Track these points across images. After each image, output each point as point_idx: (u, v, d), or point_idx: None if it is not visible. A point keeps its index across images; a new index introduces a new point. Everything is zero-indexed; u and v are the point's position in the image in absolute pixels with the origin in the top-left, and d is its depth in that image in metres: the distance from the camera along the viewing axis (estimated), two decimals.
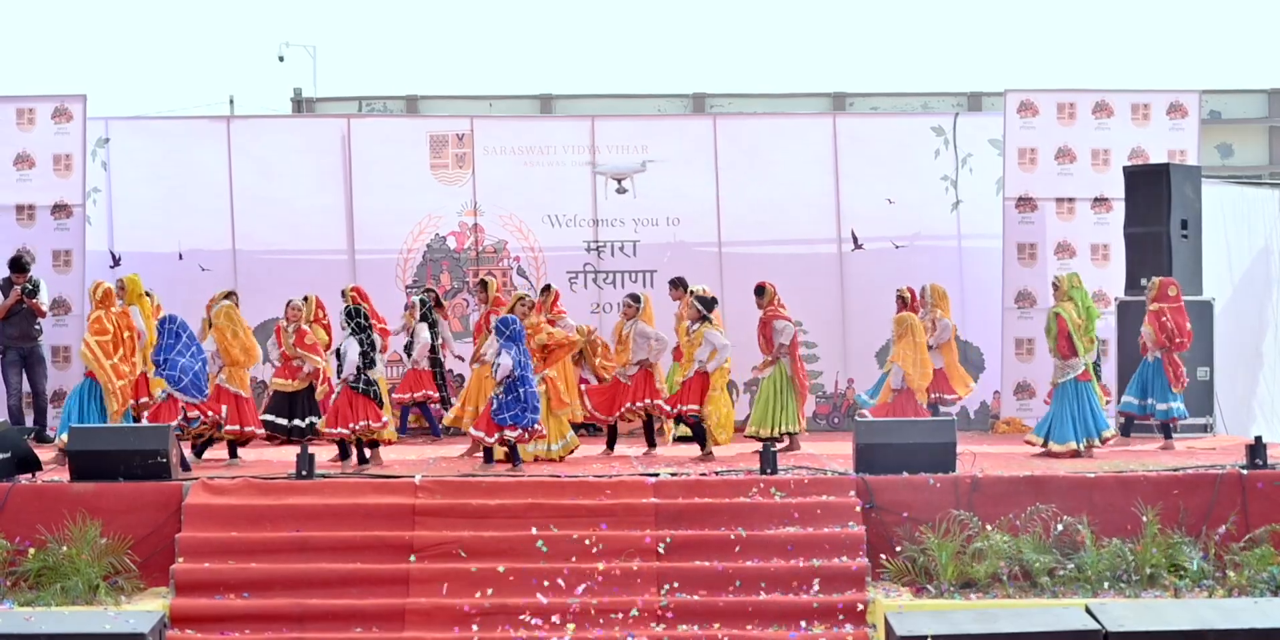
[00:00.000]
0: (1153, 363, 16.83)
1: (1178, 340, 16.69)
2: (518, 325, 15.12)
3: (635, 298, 16.76)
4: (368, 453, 15.12)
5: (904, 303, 18.19)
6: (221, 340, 15.56)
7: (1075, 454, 15.49)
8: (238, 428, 15.48)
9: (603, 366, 16.79)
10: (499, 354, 14.82)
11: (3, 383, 18.00)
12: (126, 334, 15.51)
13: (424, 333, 17.88)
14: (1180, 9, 76.25)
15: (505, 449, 14.88)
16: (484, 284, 17.59)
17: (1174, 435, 16.76)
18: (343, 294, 17.32)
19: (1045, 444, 15.74)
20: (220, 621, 12.32)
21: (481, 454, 15.13)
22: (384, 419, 15.04)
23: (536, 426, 14.96)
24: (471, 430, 15.16)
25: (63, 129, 19.04)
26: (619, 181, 19.59)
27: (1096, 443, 15.71)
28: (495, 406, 14.74)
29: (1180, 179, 18.47)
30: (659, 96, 39.16)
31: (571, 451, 15.87)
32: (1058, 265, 19.42)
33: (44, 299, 17.96)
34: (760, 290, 16.71)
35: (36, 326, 17.85)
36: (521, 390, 14.81)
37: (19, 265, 17.74)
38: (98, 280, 16.16)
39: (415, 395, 18.07)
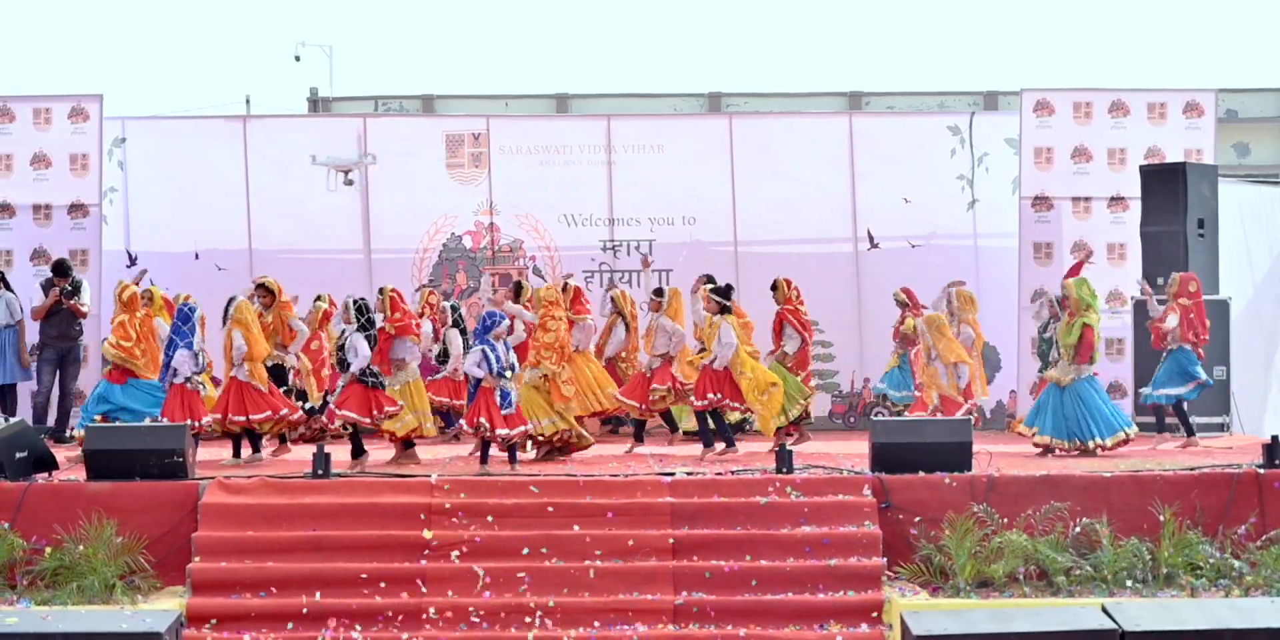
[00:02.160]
0: (1177, 351, 16.65)
1: (1203, 336, 16.63)
2: (498, 319, 15.17)
3: (659, 292, 16.90)
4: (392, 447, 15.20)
5: (904, 306, 18.23)
6: (247, 334, 15.54)
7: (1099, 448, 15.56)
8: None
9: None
10: (505, 351, 14.81)
11: (35, 380, 18.07)
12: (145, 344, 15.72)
13: (456, 340, 17.32)
14: (1196, 8, 76.14)
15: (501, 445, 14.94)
16: (519, 287, 17.27)
17: (1196, 434, 16.71)
18: (380, 291, 16.92)
19: (1087, 443, 15.66)
20: (237, 620, 12.31)
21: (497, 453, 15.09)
22: (398, 404, 15.09)
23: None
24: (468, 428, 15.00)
25: (79, 129, 19.11)
26: (345, 173, 19.44)
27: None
28: (507, 404, 14.74)
29: (1197, 178, 18.45)
30: (674, 96, 39.19)
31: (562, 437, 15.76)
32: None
33: (86, 300, 18.01)
34: (773, 286, 16.70)
35: (76, 327, 17.95)
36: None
37: (61, 268, 17.84)
38: (124, 283, 16.20)
39: (452, 401, 17.75)
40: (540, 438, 15.45)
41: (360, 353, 14.89)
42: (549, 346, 15.55)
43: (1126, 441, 15.70)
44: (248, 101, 41.80)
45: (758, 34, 79.97)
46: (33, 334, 18.20)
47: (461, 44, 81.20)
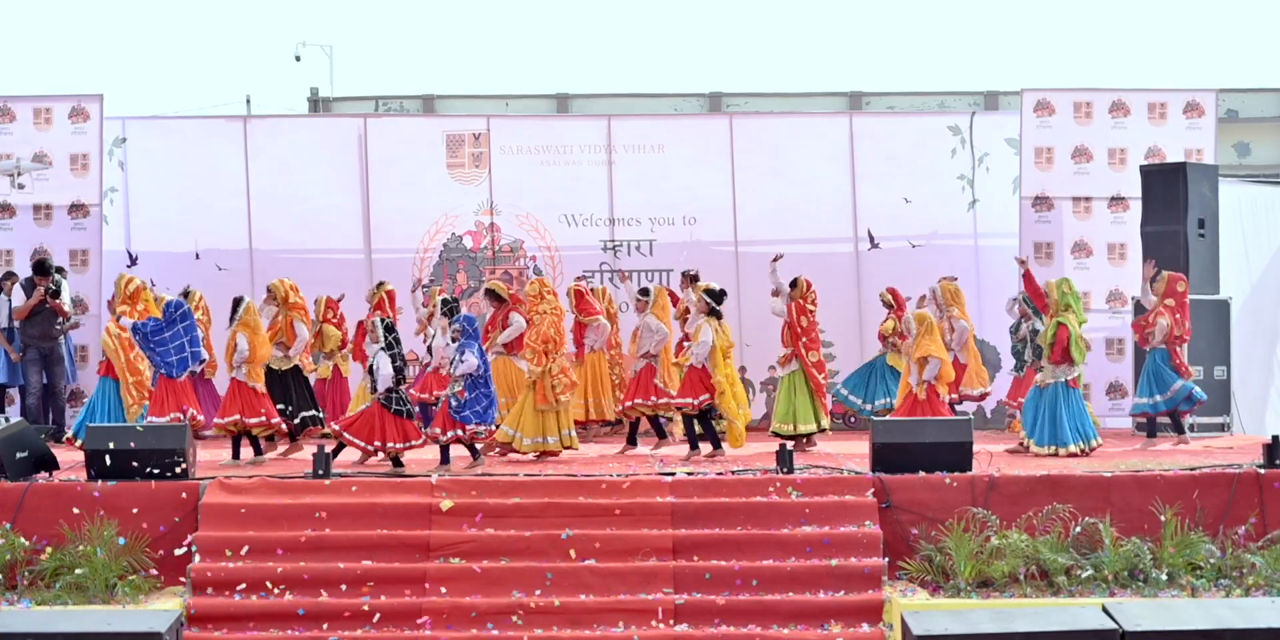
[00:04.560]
0: (1156, 353, 16.67)
1: (1184, 337, 16.62)
2: (476, 324, 15.12)
3: (645, 291, 16.91)
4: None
5: (889, 307, 18.19)
6: (252, 337, 15.55)
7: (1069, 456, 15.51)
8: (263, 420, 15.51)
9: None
10: (460, 352, 14.78)
11: (23, 382, 18.04)
12: None
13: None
14: (1196, 8, 76.11)
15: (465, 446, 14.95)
16: (492, 293, 17.11)
17: (1187, 432, 16.70)
18: (371, 295, 17.13)
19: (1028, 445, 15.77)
20: (237, 620, 12.33)
21: (470, 453, 15.04)
22: (420, 438, 14.90)
23: (495, 426, 15.04)
24: (424, 429, 14.99)
25: (80, 129, 19.12)
26: (11, 178, 19.28)
27: (1086, 449, 15.65)
28: (456, 404, 14.71)
29: (1197, 178, 18.45)
30: (675, 96, 39.09)
31: (557, 452, 15.76)
32: (1074, 264, 19.43)
33: (65, 299, 18.00)
34: (793, 283, 16.62)
35: (58, 326, 17.89)
36: (484, 388, 14.83)
37: (43, 267, 17.81)
38: (129, 275, 16.18)
39: (436, 394, 17.78)
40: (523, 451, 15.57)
41: (383, 373, 14.77)
42: (530, 345, 15.59)
43: (1084, 453, 15.67)
44: (248, 101, 41.67)
45: (758, 34, 79.91)
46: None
47: (461, 44, 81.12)
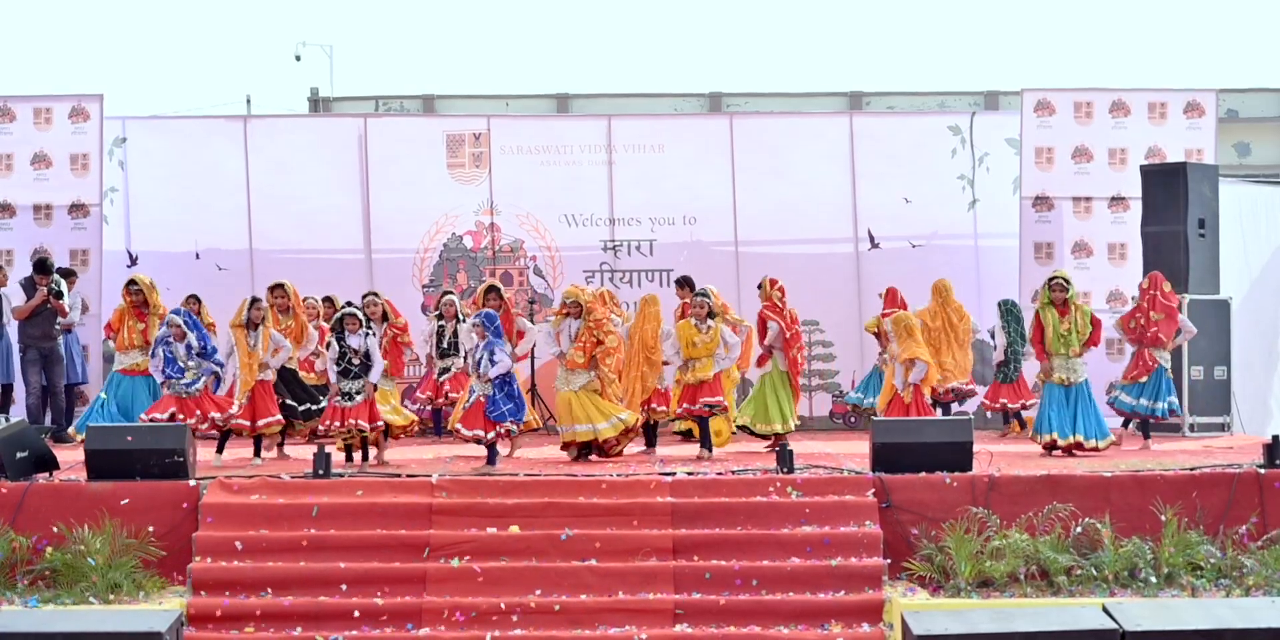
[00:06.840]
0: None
1: (1144, 338, 16.66)
2: (498, 321, 15.16)
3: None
4: (371, 451, 15.17)
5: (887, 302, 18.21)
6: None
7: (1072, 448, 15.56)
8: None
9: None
10: (490, 352, 14.76)
11: (23, 382, 18.01)
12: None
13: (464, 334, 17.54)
14: (1196, 8, 76.12)
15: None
16: (495, 289, 17.10)
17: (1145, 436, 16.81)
18: (376, 296, 17.12)
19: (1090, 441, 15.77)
20: (237, 620, 12.31)
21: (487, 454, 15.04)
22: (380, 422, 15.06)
23: (523, 423, 15.20)
24: (463, 429, 14.95)
25: (80, 128, 19.11)
26: None
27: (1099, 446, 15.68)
28: (490, 403, 14.74)
29: (1197, 178, 18.45)
30: (675, 96, 39.16)
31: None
32: (1074, 264, 19.42)
33: (65, 300, 17.98)
34: (759, 285, 16.65)
35: (57, 326, 17.87)
36: (513, 386, 14.90)
37: (43, 266, 17.76)
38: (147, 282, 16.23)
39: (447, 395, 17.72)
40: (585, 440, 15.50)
41: (378, 365, 14.95)
42: (610, 352, 15.57)
43: (1097, 450, 15.71)
44: (248, 101, 41.77)
45: (758, 34, 79.97)
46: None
47: (462, 44, 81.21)
